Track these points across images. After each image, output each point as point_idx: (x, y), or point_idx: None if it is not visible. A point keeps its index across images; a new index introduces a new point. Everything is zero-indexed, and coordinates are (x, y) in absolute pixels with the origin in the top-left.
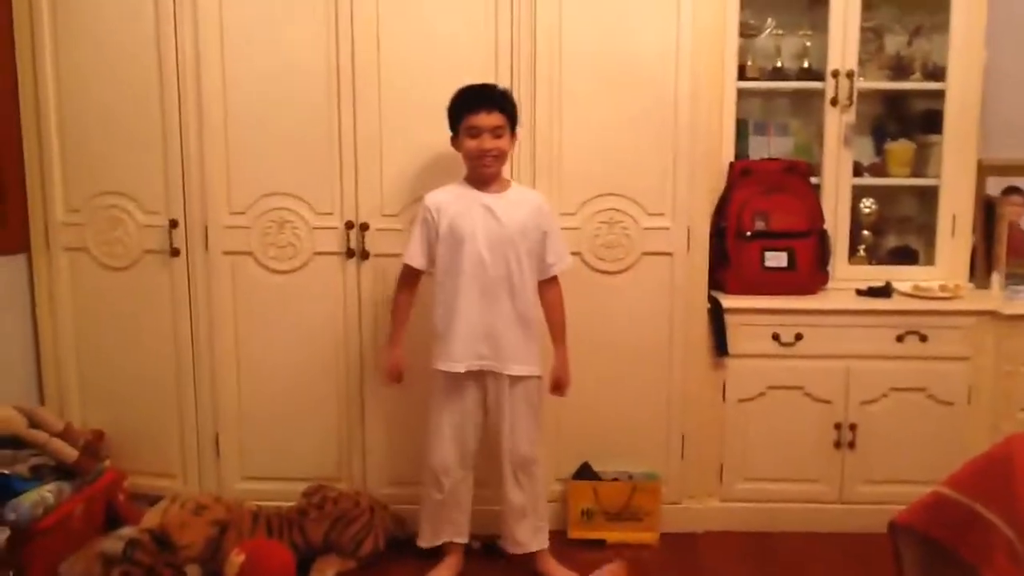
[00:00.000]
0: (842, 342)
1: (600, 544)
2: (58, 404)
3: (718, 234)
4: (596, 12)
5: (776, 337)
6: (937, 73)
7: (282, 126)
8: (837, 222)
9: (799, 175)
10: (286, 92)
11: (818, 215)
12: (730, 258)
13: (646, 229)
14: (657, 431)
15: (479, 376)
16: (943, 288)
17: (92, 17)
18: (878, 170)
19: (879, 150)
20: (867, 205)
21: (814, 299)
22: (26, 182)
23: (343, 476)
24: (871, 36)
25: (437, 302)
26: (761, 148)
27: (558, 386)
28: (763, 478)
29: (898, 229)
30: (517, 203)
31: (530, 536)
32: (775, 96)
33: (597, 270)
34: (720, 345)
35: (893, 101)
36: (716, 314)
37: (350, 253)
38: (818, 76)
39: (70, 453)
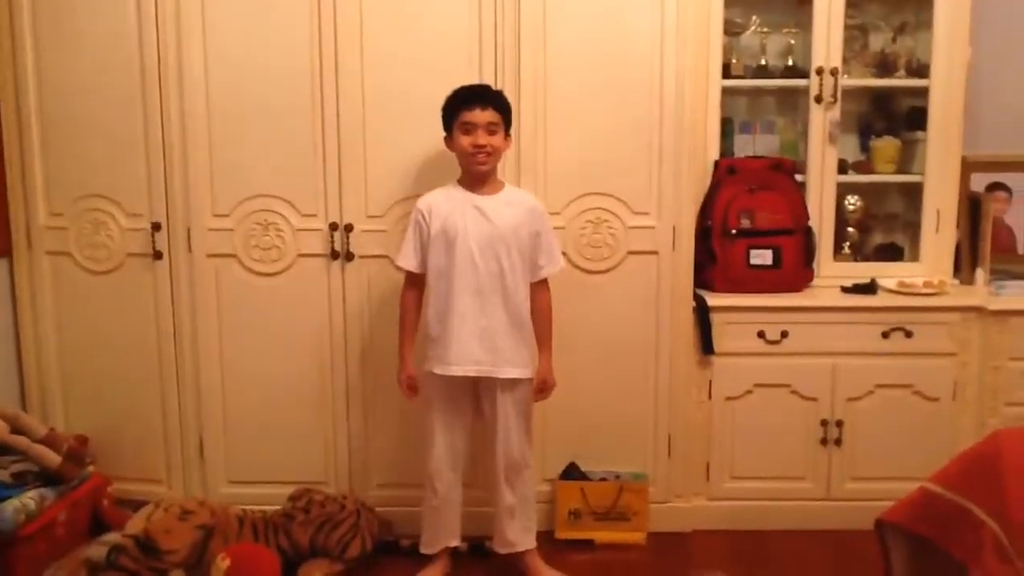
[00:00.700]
0: (828, 339)
1: (588, 544)
2: (41, 409)
3: (704, 232)
4: (580, 11)
5: (762, 335)
6: (921, 70)
7: (265, 127)
8: (822, 219)
9: (784, 173)
10: (269, 93)
11: (803, 212)
12: (716, 256)
13: (631, 228)
14: (644, 430)
15: (472, 379)
16: (928, 284)
17: (73, 19)
18: (863, 167)
19: (864, 147)
20: (852, 202)
21: (800, 297)
22: (7, 186)
23: (329, 479)
24: (856, 33)
25: (429, 304)
26: (746, 146)
27: (542, 389)
28: (750, 476)
29: (883, 226)
30: (509, 204)
31: (519, 535)
32: (760, 94)
33: (583, 269)
34: (706, 344)
35: (878, 98)
36: (702, 313)
37: (335, 255)
38: (803, 74)
39: (53, 459)
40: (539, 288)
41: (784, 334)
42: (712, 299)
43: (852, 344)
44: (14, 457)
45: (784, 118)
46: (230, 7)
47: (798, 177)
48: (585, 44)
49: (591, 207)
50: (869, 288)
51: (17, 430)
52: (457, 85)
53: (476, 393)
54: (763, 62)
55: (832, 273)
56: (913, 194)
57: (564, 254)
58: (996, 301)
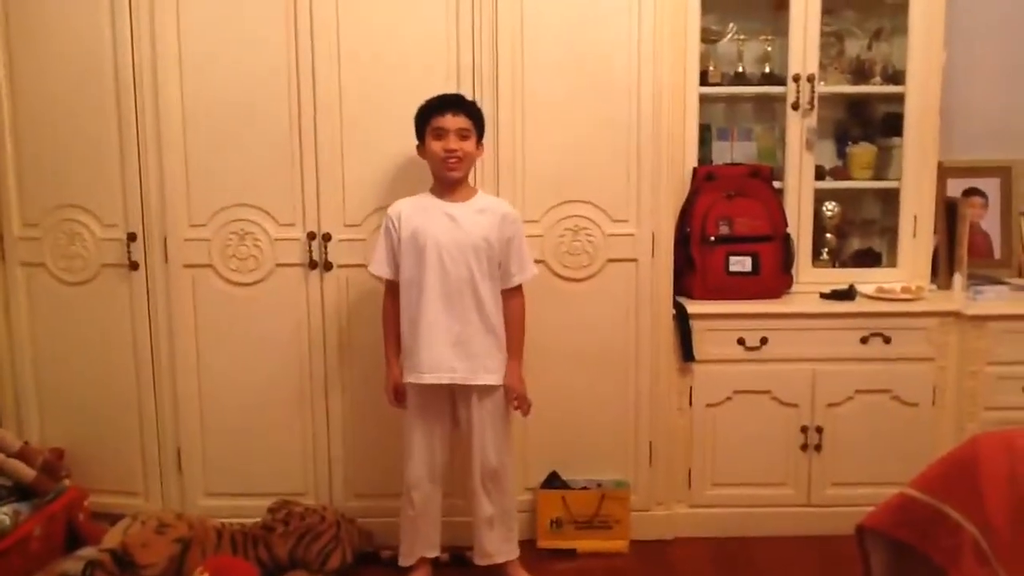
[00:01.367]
0: (807, 345)
1: (570, 554)
2: (16, 422)
3: (683, 240)
4: (558, 18)
5: (742, 342)
6: (897, 76)
7: (242, 136)
8: (800, 226)
9: (762, 179)
10: (245, 102)
11: (781, 219)
12: (695, 263)
13: (610, 235)
14: (625, 438)
15: (448, 387)
16: (906, 290)
17: (47, 27)
18: (840, 173)
19: (841, 153)
20: (830, 208)
21: (779, 303)
22: None
23: (309, 491)
24: (832, 40)
25: (402, 313)
26: (724, 153)
27: (513, 395)
28: (731, 483)
29: (861, 232)
30: (482, 211)
31: (498, 546)
32: (738, 101)
33: (562, 277)
34: (686, 351)
35: (854, 105)
36: (682, 320)
37: (312, 264)
38: (780, 81)
39: (27, 473)
40: (511, 295)
41: (764, 340)
42: (692, 306)
43: (831, 350)
44: None
45: (761, 125)
46: (205, 16)
47: (776, 184)
48: (563, 52)
49: (569, 215)
50: (847, 294)
51: None
52: (435, 94)
53: (452, 401)
54: (740, 69)
55: (811, 279)
56: (890, 200)
57: (542, 262)
58: (973, 306)
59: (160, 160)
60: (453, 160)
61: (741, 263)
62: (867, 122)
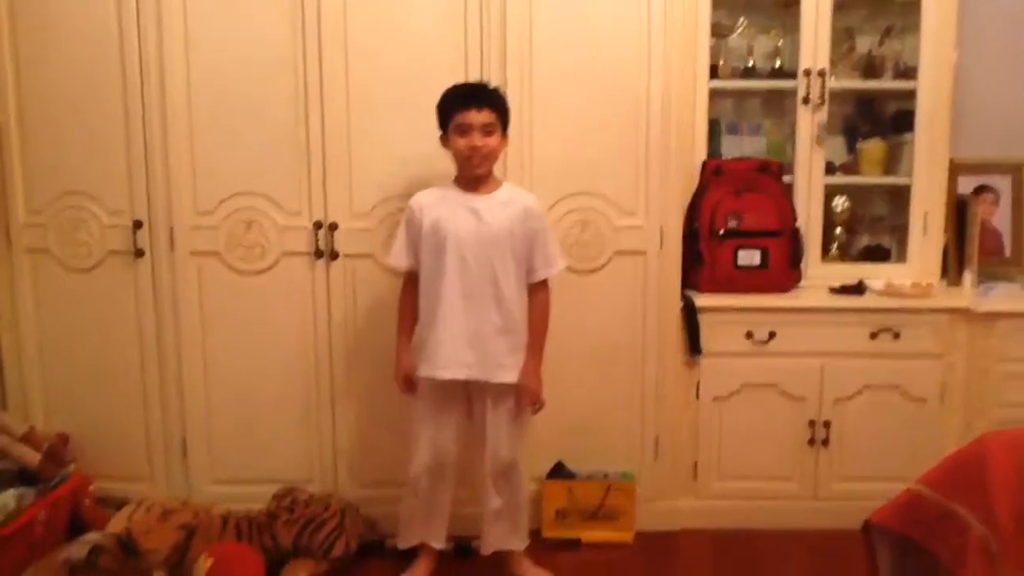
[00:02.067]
0: (816, 340)
1: (575, 544)
2: (21, 408)
3: (691, 233)
4: (567, 10)
5: (750, 335)
6: (908, 73)
7: (249, 124)
8: (810, 221)
9: (771, 174)
10: (252, 89)
11: (790, 214)
12: (703, 257)
13: (619, 228)
14: (631, 430)
15: (463, 383)
16: (915, 286)
17: (52, 14)
18: (850, 169)
19: (851, 149)
20: (839, 204)
21: (787, 297)
22: None
23: (314, 478)
24: (843, 36)
25: (420, 306)
26: (734, 147)
27: (527, 395)
28: (738, 476)
29: (870, 228)
30: (505, 204)
31: (504, 538)
32: (747, 96)
33: (570, 269)
34: (694, 344)
35: (865, 101)
36: (689, 313)
37: (319, 253)
38: (790, 75)
39: (32, 458)
40: (536, 290)
41: (772, 335)
42: (700, 300)
43: (840, 345)
44: None
45: (771, 120)
46: (211, 4)
47: (785, 178)
48: (571, 44)
49: (578, 207)
50: (857, 289)
51: None
52: (442, 83)
53: (467, 396)
54: (750, 64)
55: (820, 274)
56: (900, 196)
57: None
58: (983, 303)
59: (166, 147)
60: (477, 158)
61: (750, 257)
62: (877, 118)
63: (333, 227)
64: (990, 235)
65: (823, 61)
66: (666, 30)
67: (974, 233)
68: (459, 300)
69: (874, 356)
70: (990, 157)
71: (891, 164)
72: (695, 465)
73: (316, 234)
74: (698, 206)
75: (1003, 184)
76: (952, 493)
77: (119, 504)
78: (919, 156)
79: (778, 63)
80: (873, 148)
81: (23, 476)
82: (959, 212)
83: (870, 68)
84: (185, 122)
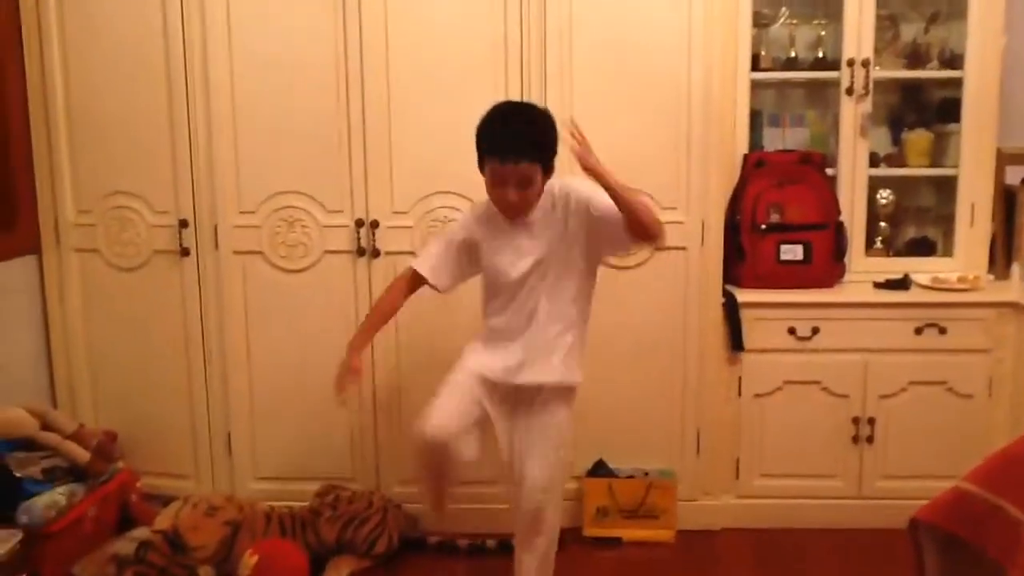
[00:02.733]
0: (859, 335)
1: (616, 542)
2: (70, 406)
3: (732, 227)
4: (607, 4)
5: (792, 331)
6: (954, 61)
7: (291, 123)
8: (854, 214)
9: (814, 166)
10: (294, 90)
11: (834, 207)
12: (745, 252)
13: None
14: (672, 427)
15: (515, 387)
16: (962, 280)
17: (99, 16)
18: (895, 160)
19: (896, 140)
20: (884, 196)
21: (831, 292)
22: (36, 184)
23: (356, 476)
24: (887, 24)
25: (488, 306)
26: (776, 139)
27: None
28: (780, 474)
29: (916, 220)
30: (548, 211)
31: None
32: (789, 87)
33: (611, 265)
34: (735, 340)
35: (910, 90)
36: (731, 309)
37: (360, 251)
38: (833, 66)
39: (82, 455)
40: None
41: (815, 330)
42: (742, 295)
43: (884, 340)
44: (44, 453)
45: (814, 111)
46: (255, 5)
47: (829, 171)
48: (612, 37)
49: None
50: (902, 284)
51: (47, 426)
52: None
53: (514, 402)
54: (792, 54)
55: (864, 268)
56: (946, 187)
57: None
58: None
59: (210, 147)
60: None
61: (792, 251)
62: (923, 108)
63: (374, 225)
64: None
65: (867, 50)
66: (707, 21)
67: (1022, 224)
68: (504, 336)
69: (919, 352)
70: None
71: (937, 155)
72: (737, 463)
73: (358, 232)
74: (739, 199)
75: None
76: (1000, 489)
77: (166, 500)
78: (965, 146)
79: (820, 53)
80: (918, 139)
81: (73, 473)
82: (1007, 203)
83: (915, 57)
84: (229, 123)
